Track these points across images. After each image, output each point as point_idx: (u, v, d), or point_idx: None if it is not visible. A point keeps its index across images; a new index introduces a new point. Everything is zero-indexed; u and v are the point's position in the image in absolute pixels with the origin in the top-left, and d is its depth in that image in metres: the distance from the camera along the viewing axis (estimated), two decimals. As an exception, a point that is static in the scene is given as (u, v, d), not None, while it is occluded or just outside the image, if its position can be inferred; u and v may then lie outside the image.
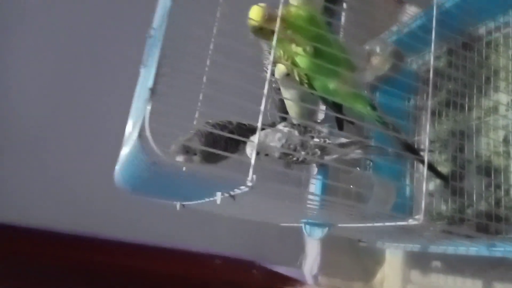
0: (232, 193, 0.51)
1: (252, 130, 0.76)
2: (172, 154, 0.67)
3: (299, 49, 0.60)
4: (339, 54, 0.61)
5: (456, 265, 0.84)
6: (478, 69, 0.80)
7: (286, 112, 0.80)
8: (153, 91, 0.45)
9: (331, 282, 1.10)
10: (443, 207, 0.85)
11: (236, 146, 0.74)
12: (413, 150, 0.66)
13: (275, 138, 0.68)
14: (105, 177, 0.68)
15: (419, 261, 0.95)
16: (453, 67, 0.80)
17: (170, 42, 0.51)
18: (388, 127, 0.65)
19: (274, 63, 0.72)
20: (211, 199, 0.57)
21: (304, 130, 0.70)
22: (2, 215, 0.90)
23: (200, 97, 0.75)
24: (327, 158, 0.67)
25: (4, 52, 0.97)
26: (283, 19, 0.57)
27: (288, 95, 0.78)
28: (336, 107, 0.69)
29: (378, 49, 0.73)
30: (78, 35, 1.04)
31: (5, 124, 0.95)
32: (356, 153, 0.67)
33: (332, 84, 0.62)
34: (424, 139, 0.66)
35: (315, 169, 0.82)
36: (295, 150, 0.67)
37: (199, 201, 0.66)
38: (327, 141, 0.67)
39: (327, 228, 0.70)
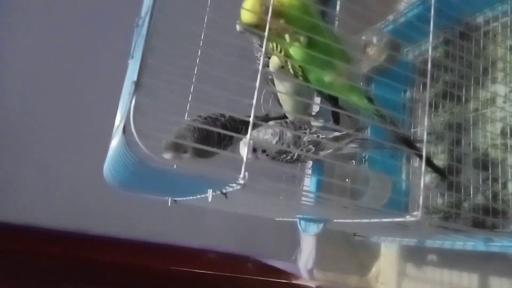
0: (224, 190, 0.49)
1: (245, 123, 0.74)
2: (162, 151, 0.65)
3: (293, 40, 0.58)
4: (334, 45, 0.59)
5: (452, 259, 0.83)
6: (475, 59, 0.78)
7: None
8: (137, 84, 0.43)
9: (326, 277, 1.10)
10: (439, 201, 0.84)
11: (229, 139, 0.73)
12: (410, 143, 0.64)
13: (268, 134, 0.66)
14: (100, 174, 0.67)
15: (414, 255, 0.94)
16: (450, 57, 0.78)
17: (157, 32, 0.48)
18: (385, 120, 0.63)
19: (267, 55, 0.69)
20: (203, 196, 0.55)
21: (296, 126, 0.68)
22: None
23: (191, 90, 0.73)
24: (321, 153, 0.65)
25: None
26: (276, 9, 0.54)
27: (282, 88, 0.76)
28: (332, 99, 0.67)
29: (374, 39, 0.71)
30: (71, 32, 1.01)
31: (0, 122, 0.94)
32: (351, 147, 0.66)
33: (327, 76, 0.60)
34: (421, 132, 0.65)
35: (309, 164, 0.81)
36: (288, 148, 0.66)
37: (191, 198, 0.64)
38: (321, 136, 0.65)
39: (322, 224, 0.69)
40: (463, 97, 0.80)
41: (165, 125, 0.64)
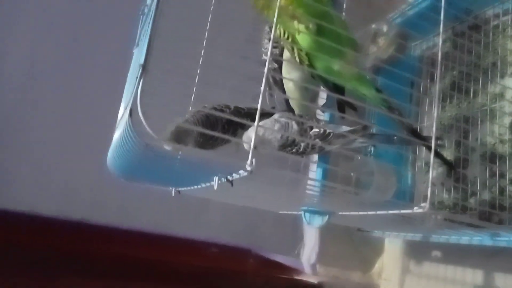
0: (230, 178, 0.48)
1: (250, 115, 0.73)
2: (164, 140, 0.64)
3: (301, 27, 0.57)
4: (343, 32, 0.58)
5: (457, 254, 0.82)
6: (484, 53, 0.77)
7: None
8: (144, 67, 0.42)
9: (329, 272, 1.09)
10: (445, 196, 0.83)
11: (234, 131, 0.72)
12: (419, 135, 0.64)
13: (274, 127, 0.65)
14: (101, 165, 0.67)
15: (418, 251, 0.93)
16: (459, 51, 0.77)
17: (164, 19, 0.48)
18: (394, 111, 0.62)
19: (275, 43, 0.68)
20: (208, 184, 0.55)
21: (301, 121, 0.67)
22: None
23: (196, 80, 0.72)
24: (328, 148, 0.64)
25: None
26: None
27: (292, 76, 0.75)
28: (337, 90, 0.66)
29: (384, 29, 0.70)
30: (72, 23, 1.00)
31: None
32: (359, 142, 0.65)
33: (336, 65, 0.59)
34: (431, 125, 0.64)
35: (315, 157, 0.80)
36: (294, 142, 0.65)
37: (195, 187, 0.64)
38: (327, 130, 0.64)
39: (327, 216, 0.68)
40: (471, 91, 0.79)
41: (173, 107, 0.64)
